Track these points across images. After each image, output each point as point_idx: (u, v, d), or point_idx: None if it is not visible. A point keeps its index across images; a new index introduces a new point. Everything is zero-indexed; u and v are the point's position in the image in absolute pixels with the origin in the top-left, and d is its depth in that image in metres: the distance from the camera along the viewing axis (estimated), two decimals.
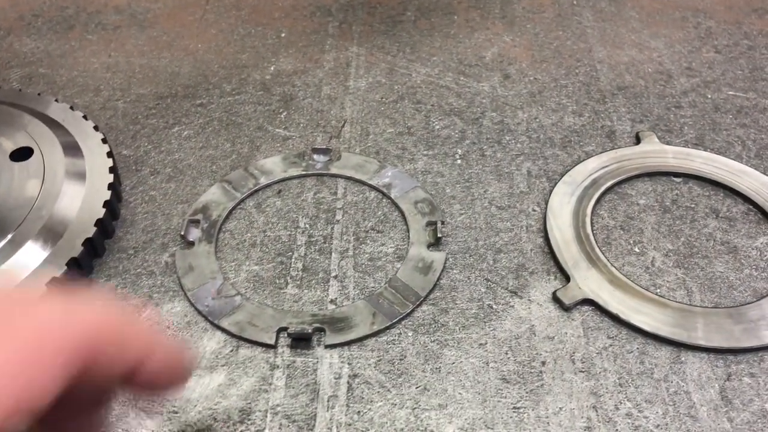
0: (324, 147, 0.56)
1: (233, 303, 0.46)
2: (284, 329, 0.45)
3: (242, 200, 0.53)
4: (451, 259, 0.49)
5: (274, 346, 0.44)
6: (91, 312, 0.23)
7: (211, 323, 0.45)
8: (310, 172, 0.56)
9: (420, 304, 0.46)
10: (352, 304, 0.46)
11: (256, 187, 0.54)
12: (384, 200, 0.53)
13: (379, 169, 0.55)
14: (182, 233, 0.50)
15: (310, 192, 0.54)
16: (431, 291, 0.47)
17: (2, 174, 0.52)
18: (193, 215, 0.52)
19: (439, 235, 0.49)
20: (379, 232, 0.51)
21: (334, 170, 0.56)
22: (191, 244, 0.50)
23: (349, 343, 0.44)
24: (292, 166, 0.56)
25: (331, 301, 0.47)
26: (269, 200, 0.54)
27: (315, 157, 0.56)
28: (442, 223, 0.51)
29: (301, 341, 0.44)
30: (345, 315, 0.45)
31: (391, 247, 0.50)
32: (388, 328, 0.45)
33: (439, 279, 0.48)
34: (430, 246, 0.49)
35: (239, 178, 0.55)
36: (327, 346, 0.44)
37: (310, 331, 0.44)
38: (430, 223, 0.51)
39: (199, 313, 0.46)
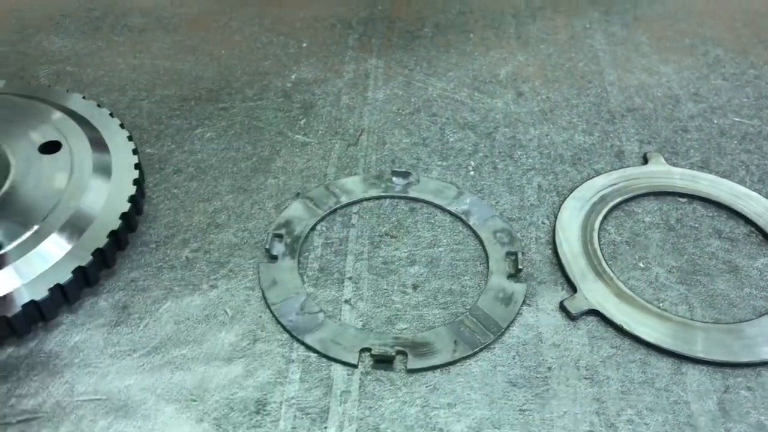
0: (404, 170, 0.58)
1: (316, 320, 0.47)
2: (367, 350, 0.46)
3: (323, 218, 0.55)
4: None
5: (356, 366, 0.45)
6: None
7: (296, 339, 0.46)
8: (389, 194, 0.57)
9: (501, 335, 0.47)
10: (433, 329, 0.47)
11: (337, 206, 0.55)
12: (462, 227, 0.55)
13: (457, 196, 0.57)
14: (267, 247, 0.51)
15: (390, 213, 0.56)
16: (512, 322, 0.48)
17: (31, 166, 0.53)
18: (276, 230, 0.53)
19: (520, 266, 0.50)
20: (460, 260, 0.52)
21: (413, 194, 0.57)
22: (274, 258, 0.51)
23: (432, 369, 0.45)
24: (372, 187, 0.57)
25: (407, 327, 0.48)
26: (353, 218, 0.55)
27: (394, 179, 0.57)
28: (523, 254, 0.51)
29: (382, 363, 0.45)
30: (427, 340, 0.46)
31: (470, 275, 0.51)
32: (469, 357, 0.46)
33: (519, 311, 0.48)
34: (510, 276, 0.50)
35: (321, 195, 0.56)
36: (409, 371, 0.45)
37: (393, 353, 0.45)
38: (510, 254, 0.52)
39: (283, 327, 0.47)
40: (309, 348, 0.46)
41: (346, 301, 0.49)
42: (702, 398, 0.44)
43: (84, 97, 0.61)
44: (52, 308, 0.47)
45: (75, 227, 0.49)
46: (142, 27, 0.76)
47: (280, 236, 0.52)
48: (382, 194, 0.57)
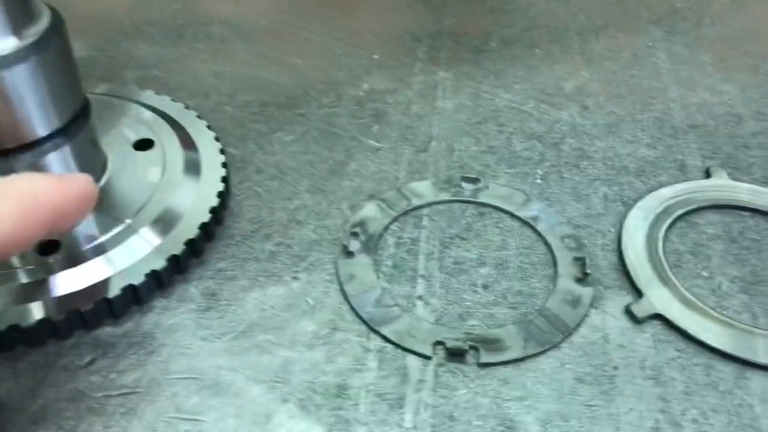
0: (473, 176, 0.60)
1: (392, 313, 0.50)
2: (440, 343, 0.48)
3: (396, 218, 0.57)
4: None
5: (430, 358, 0.47)
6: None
7: (372, 330, 0.49)
8: (459, 198, 0.59)
9: (569, 335, 0.49)
10: (503, 327, 0.49)
11: (408, 208, 0.58)
12: (530, 232, 0.57)
13: (525, 202, 0.59)
14: (344, 244, 0.54)
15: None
16: (580, 324, 0.50)
17: (126, 162, 0.57)
18: (353, 228, 0.56)
19: (588, 271, 0.52)
20: (528, 264, 0.54)
21: (482, 199, 0.59)
22: (351, 254, 0.54)
23: (503, 364, 0.47)
24: (442, 191, 0.60)
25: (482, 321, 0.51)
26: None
27: (464, 184, 0.60)
28: (590, 259, 0.54)
29: (455, 356, 0.48)
30: (497, 337, 0.49)
31: (538, 278, 0.53)
32: (538, 354, 0.48)
33: (587, 313, 0.50)
34: (577, 281, 0.52)
35: (393, 198, 0.59)
36: (480, 364, 0.47)
37: (466, 347, 0.47)
38: (577, 259, 0.54)
39: (361, 318, 0.50)
40: (385, 339, 0.49)
41: (419, 297, 0.52)
42: (766, 402, 0.45)
43: (173, 100, 0.65)
44: (147, 292, 0.50)
45: (167, 221, 0.53)
46: (223, 36, 0.80)
47: (356, 234, 0.55)
48: (452, 198, 0.59)
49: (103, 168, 0.56)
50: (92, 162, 0.54)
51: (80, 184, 0.43)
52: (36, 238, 0.40)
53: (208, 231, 0.54)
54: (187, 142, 0.60)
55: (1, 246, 0.36)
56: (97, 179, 0.54)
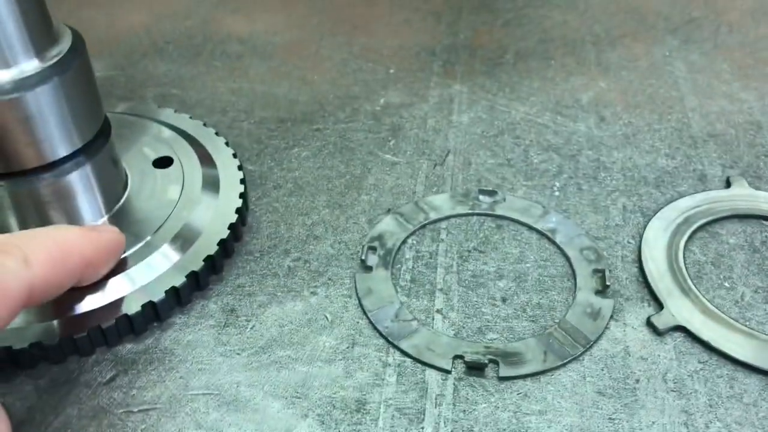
0: (490, 189, 0.60)
1: (410, 327, 0.50)
2: (460, 357, 0.48)
3: (414, 232, 0.58)
4: None
5: (449, 372, 0.47)
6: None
7: (391, 344, 0.49)
8: (476, 211, 0.59)
9: (590, 348, 0.49)
10: (523, 340, 0.49)
11: (426, 221, 0.58)
12: (549, 244, 0.57)
13: (543, 214, 0.59)
14: (362, 258, 0.54)
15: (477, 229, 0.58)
16: (600, 336, 0.49)
17: (146, 180, 0.58)
18: (371, 242, 0.56)
19: (608, 283, 0.52)
20: (547, 276, 0.54)
21: (500, 211, 0.59)
22: (369, 268, 0.54)
23: (522, 377, 0.47)
24: (459, 204, 0.60)
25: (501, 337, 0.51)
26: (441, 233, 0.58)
27: (481, 197, 0.60)
28: (610, 271, 0.53)
29: (475, 369, 0.47)
30: (517, 350, 0.48)
31: (557, 291, 0.53)
32: (558, 367, 0.47)
33: (607, 325, 0.50)
34: (597, 293, 0.52)
35: (411, 211, 0.59)
36: (500, 378, 0.47)
37: (485, 361, 0.47)
38: (596, 271, 0.53)
39: (379, 333, 0.50)
40: (404, 353, 0.48)
41: (438, 311, 0.51)
42: None
43: (191, 117, 0.66)
44: (167, 309, 0.51)
45: (186, 238, 0.53)
46: (239, 53, 0.81)
47: (374, 248, 0.55)
48: (470, 212, 0.59)
49: (124, 186, 0.57)
50: (113, 180, 0.55)
51: (110, 236, 0.46)
52: (65, 287, 0.41)
53: (227, 247, 0.54)
54: (206, 159, 0.60)
55: (33, 293, 0.37)
56: (118, 197, 0.55)
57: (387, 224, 0.58)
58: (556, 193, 0.61)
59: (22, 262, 0.37)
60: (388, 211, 0.60)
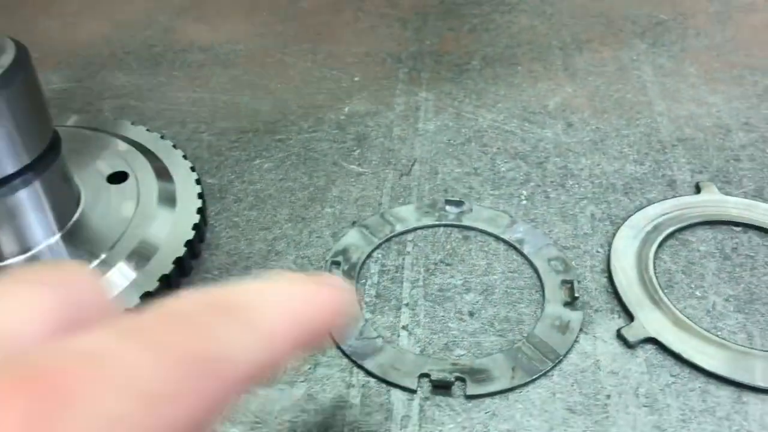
0: (457, 199, 0.59)
1: (375, 345, 0.48)
2: (426, 375, 0.46)
3: (379, 245, 0.56)
4: None
5: (415, 391, 0.45)
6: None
7: (355, 363, 0.47)
8: (443, 222, 0.58)
9: (559, 363, 0.47)
10: (491, 356, 0.48)
11: (392, 234, 0.57)
12: (516, 255, 0.55)
13: (510, 224, 0.57)
14: (326, 273, 0.52)
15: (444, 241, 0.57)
16: (570, 350, 0.48)
17: (100, 196, 0.56)
18: (334, 257, 0.54)
19: (576, 294, 0.50)
20: (515, 288, 0.53)
21: (466, 222, 0.58)
22: None
23: (490, 395, 0.45)
24: (426, 216, 0.58)
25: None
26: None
27: (447, 208, 0.59)
28: (579, 282, 0.52)
29: (441, 388, 0.46)
30: (485, 367, 0.47)
31: (525, 303, 0.52)
32: (527, 384, 0.46)
33: (577, 339, 0.49)
34: (566, 304, 0.51)
35: (376, 224, 0.57)
36: (467, 397, 0.45)
37: (452, 379, 0.46)
38: (565, 282, 0.52)
39: (343, 352, 0.48)
40: (369, 373, 0.47)
41: (404, 327, 0.50)
42: (765, 428, 0.43)
43: (148, 130, 0.64)
44: None
45: (141, 255, 0.51)
46: (200, 62, 0.79)
47: (338, 263, 0.54)
48: (436, 223, 0.58)
49: (77, 203, 0.54)
50: (65, 197, 0.53)
51: (345, 296, 0.32)
52: (284, 366, 0.27)
53: (184, 266, 0.52)
54: (162, 173, 0.58)
55: (257, 375, 0.25)
56: (71, 214, 0.53)
57: (351, 237, 0.56)
58: (524, 202, 0.60)
59: (255, 336, 0.25)
60: (353, 223, 0.58)
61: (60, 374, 0.18)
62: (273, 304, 0.26)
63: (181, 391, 0.20)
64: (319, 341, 0.30)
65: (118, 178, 0.57)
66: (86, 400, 0.18)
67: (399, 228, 0.57)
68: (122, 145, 0.61)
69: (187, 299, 0.24)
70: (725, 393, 0.45)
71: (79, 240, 0.52)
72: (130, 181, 0.57)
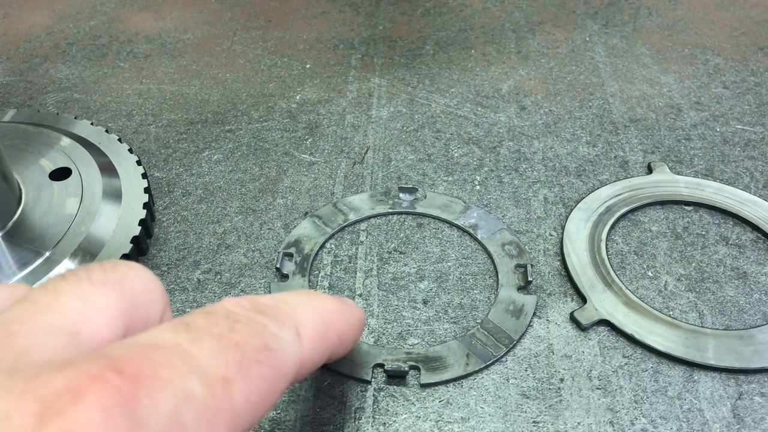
0: (410, 186, 0.58)
1: None
2: (380, 365, 0.46)
3: (332, 235, 0.55)
4: None
5: (369, 382, 0.45)
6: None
7: None
8: (396, 210, 0.57)
9: (513, 348, 0.47)
10: (445, 344, 0.47)
11: (345, 223, 0.56)
12: (470, 240, 0.55)
13: (464, 210, 0.57)
14: (277, 266, 0.51)
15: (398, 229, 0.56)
16: (523, 334, 0.48)
17: (42, 193, 0.54)
18: (286, 249, 0.53)
19: (530, 278, 0.50)
20: (469, 274, 0.52)
21: (420, 209, 0.57)
22: (285, 276, 0.51)
23: (444, 383, 0.45)
24: (379, 204, 0.58)
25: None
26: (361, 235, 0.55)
27: (401, 195, 0.58)
28: (532, 266, 0.52)
29: (395, 378, 0.45)
30: (439, 354, 0.46)
31: (479, 289, 0.51)
32: (481, 370, 0.46)
33: (530, 323, 0.49)
34: (519, 289, 0.50)
35: (329, 213, 0.57)
36: (423, 385, 0.45)
37: (406, 369, 0.45)
38: (519, 266, 0.52)
39: None
40: (322, 365, 0.46)
41: None
42: (715, 405, 0.44)
43: (92, 124, 0.62)
44: None
45: (86, 252, 0.50)
46: (147, 53, 0.77)
47: (290, 255, 0.53)
48: (390, 211, 0.57)
49: (18, 201, 0.53)
50: (4, 196, 0.51)
51: (358, 311, 0.38)
52: (320, 365, 0.34)
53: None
54: (107, 168, 0.57)
55: (300, 372, 0.30)
56: (11, 213, 0.51)
57: (304, 228, 0.55)
58: (477, 188, 0.59)
59: (296, 336, 0.30)
60: (305, 214, 0.57)
61: (139, 364, 0.21)
62: (312, 311, 0.32)
63: (242, 375, 0.24)
64: (345, 349, 0.36)
65: (61, 174, 0.56)
66: (164, 384, 0.21)
67: (352, 217, 0.57)
68: (65, 141, 0.59)
69: (233, 303, 0.27)
70: (677, 372, 0.46)
71: (21, 239, 0.50)
72: (74, 177, 0.55)
